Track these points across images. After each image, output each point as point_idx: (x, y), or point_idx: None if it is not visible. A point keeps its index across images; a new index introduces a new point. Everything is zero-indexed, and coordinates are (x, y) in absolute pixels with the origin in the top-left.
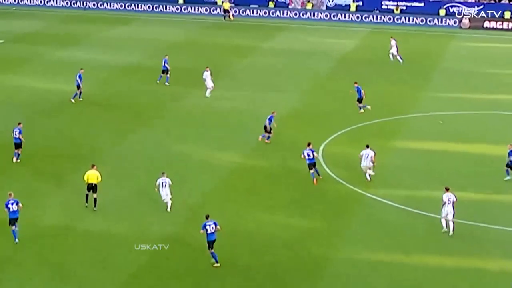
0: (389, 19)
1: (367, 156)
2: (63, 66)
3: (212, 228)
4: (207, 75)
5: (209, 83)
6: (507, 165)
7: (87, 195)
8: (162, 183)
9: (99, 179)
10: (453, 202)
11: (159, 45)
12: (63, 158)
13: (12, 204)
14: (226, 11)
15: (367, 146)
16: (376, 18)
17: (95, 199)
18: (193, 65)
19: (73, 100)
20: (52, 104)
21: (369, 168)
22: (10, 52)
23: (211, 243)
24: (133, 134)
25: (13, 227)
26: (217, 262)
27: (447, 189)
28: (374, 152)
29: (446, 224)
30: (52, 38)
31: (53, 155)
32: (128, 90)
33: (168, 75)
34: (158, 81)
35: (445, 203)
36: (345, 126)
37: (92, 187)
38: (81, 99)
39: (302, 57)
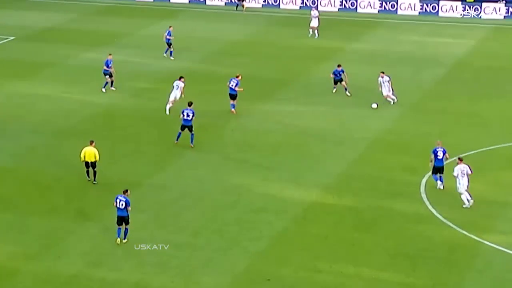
0: None
1: (463, 174)
2: (91, 71)
3: (122, 204)
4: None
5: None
6: None
7: (87, 171)
8: None
9: (97, 157)
10: (467, 174)
11: (213, 45)
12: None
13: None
14: None
15: (460, 159)
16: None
17: (95, 172)
18: (257, 71)
19: (104, 90)
20: (83, 118)
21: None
22: (23, 52)
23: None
24: (180, 160)
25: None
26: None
27: (460, 160)
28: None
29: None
30: (77, 35)
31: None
32: (177, 105)
33: (172, 49)
34: (164, 55)
35: (457, 176)
36: (457, 150)
37: (90, 165)
38: (113, 88)
39: (399, 63)
